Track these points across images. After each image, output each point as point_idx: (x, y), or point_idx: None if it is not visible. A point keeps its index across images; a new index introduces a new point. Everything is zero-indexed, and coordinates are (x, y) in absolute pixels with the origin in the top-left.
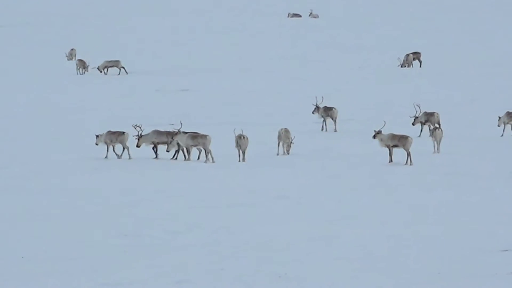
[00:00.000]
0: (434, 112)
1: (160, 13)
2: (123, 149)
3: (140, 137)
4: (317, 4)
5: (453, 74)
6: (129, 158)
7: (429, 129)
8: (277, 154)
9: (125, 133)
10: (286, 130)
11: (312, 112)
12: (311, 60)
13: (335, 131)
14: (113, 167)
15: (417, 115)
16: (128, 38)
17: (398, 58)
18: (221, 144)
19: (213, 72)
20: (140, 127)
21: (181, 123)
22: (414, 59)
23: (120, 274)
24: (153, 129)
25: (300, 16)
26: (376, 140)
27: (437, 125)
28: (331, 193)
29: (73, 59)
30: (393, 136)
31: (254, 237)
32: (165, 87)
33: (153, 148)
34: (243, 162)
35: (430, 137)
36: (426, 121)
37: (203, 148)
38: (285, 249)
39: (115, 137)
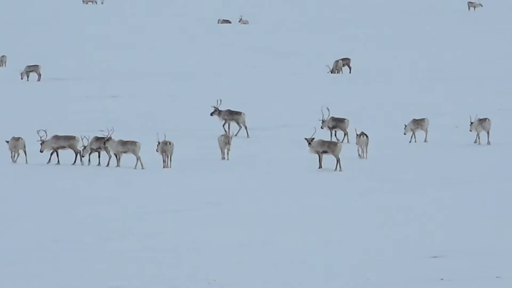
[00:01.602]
0: (344, 119)
1: (95, 21)
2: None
3: (42, 142)
4: (247, 10)
5: (383, 80)
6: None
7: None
8: (222, 159)
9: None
10: (226, 136)
11: (211, 114)
12: (241, 66)
13: (247, 136)
14: (45, 172)
15: (324, 119)
16: (58, 42)
17: (327, 65)
18: (151, 149)
19: (144, 78)
20: (45, 132)
21: (113, 129)
22: (343, 65)
23: (51, 280)
24: (54, 134)
25: (230, 22)
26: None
27: (362, 131)
28: (263, 199)
29: (3, 65)
30: (323, 143)
31: (185, 242)
32: (95, 93)
33: (51, 154)
34: (169, 168)
35: (356, 143)
36: (334, 127)
37: (133, 154)
38: (216, 255)
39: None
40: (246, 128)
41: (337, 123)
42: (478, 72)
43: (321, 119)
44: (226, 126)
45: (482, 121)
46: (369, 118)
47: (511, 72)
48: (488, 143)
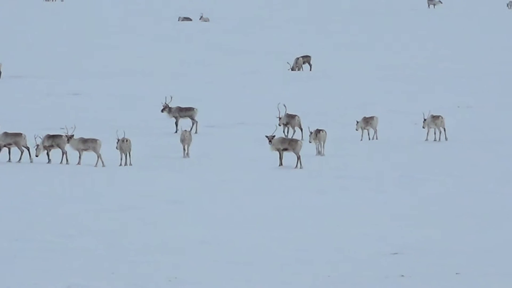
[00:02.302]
0: (295, 115)
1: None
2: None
3: None
4: (207, 8)
5: (343, 78)
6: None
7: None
8: (184, 157)
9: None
10: (189, 133)
11: (161, 111)
12: (201, 64)
13: (196, 132)
14: (1, 171)
15: (280, 116)
16: (19, 40)
17: (287, 62)
18: (112, 147)
19: (105, 76)
20: None
21: (74, 127)
22: (304, 62)
23: (12, 278)
24: (3, 131)
25: (191, 19)
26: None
27: (320, 128)
28: (223, 197)
29: None
30: (283, 140)
31: (145, 240)
32: (56, 90)
33: None
34: (128, 166)
35: (313, 140)
36: (287, 123)
37: (94, 152)
38: (176, 253)
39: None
40: (196, 123)
41: (289, 119)
42: (438, 69)
43: (278, 116)
44: (182, 123)
45: (435, 118)
46: (328, 115)
47: (470, 70)
48: (445, 139)
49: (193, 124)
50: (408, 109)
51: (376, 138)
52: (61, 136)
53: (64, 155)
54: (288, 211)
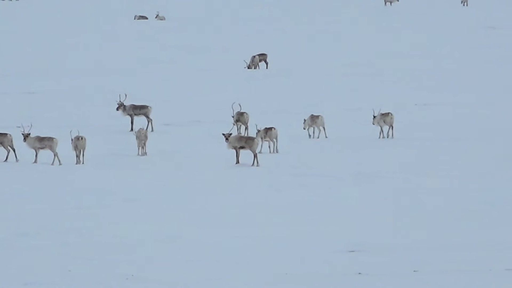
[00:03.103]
0: (244, 112)
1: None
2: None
3: None
4: (163, 7)
5: (301, 75)
6: None
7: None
8: (139, 154)
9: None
10: (145, 131)
11: (117, 109)
12: (158, 62)
13: (151, 130)
14: None
15: (233, 115)
16: None
17: (244, 60)
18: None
19: (60, 74)
20: None
21: (30, 125)
22: (260, 60)
23: None
24: None
25: (147, 18)
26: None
27: (273, 126)
28: (180, 195)
29: None
30: (240, 138)
31: (102, 238)
32: (11, 89)
33: None
34: (82, 164)
35: (261, 138)
36: (237, 120)
37: (50, 150)
38: (132, 251)
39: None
40: (151, 121)
41: (238, 116)
42: (395, 67)
43: (233, 115)
44: (137, 122)
45: (384, 115)
46: (284, 113)
47: (427, 67)
48: (392, 136)
49: (148, 122)
50: (365, 106)
51: (326, 137)
52: (6, 134)
53: (8, 153)
54: (245, 209)
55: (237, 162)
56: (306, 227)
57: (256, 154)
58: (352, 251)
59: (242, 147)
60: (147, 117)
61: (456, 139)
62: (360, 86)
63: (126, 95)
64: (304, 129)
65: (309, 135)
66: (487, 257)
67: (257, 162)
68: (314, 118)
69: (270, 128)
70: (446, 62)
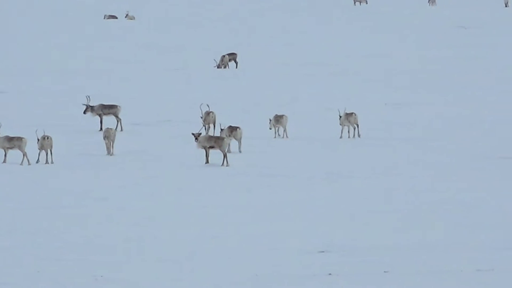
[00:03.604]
0: (210, 112)
1: None
2: None
3: None
4: (133, 6)
5: (272, 75)
6: None
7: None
8: (108, 154)
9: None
10: (114, 130)
11: (84, 112)
12: (127, 62)
13: (121, 130)
14: None
15: (202, 115)
16: None
17: (214, 59)
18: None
19: (31, 74)
20: None
21: (0, 125)
22: (230, 60)
23: None
24: None
25: (116, 17)
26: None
27: (236, 125)
28: (150, 194)
29: None
30: (210, 138)
31: (71, 238)
32: None
33: None
34: (50, 164)
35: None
36: (205, 120)
37: (19, 150)
38: (102, 251)
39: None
40: (120, 121)
41: (204, 116)
42: (366, 67)
43: (202, 115)
44: (107, 121)
45: (348, 115)
46: (252, 113)
47: (398, 67)
48: (358, 136)
49: (117, 121)
50: (336, 106)
51: (286, 137)
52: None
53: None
54: (214, 209)
55: (207, 162)
56: (276, 227)
57: (225, 154)
58: (323, 252)
59: (211, 147)
60: (116, 116)
61: (428, 139)
62: (329, 86)
63: (89, 97)
64: (270, 129)
65: (275, 135)
66: (458, 258)
67: (227, 162)
68: (278, 118)
69: (235, 128)
70: (418, 62)
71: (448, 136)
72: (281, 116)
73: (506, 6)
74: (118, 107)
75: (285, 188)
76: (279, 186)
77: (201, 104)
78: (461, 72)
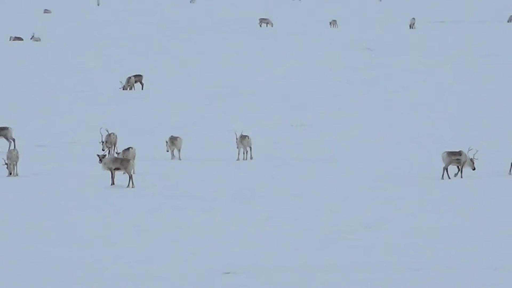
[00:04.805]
0: (111, 133)
1: None
2: None
3: None
4: (38, 28)
5: (175, 97)
6: None
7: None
8: (10, 175)
9: None
10: (17, 151)
11: None
12: (33, 83)
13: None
14: None
15: (103, 140)
16: None
17: (120, 81)
18: None
19: None
20: None
21: None
22: (136, 81)
23: None
24: None
25: (22, 39)
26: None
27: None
28: (53, 215)
29: None
30: (115, 159)
31: None
32: None
33: None
34: None
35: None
36: (106, 142)
37: None
38: (5, 271)
39: None
40: (14, 141)
41: (107, 138)
42: (269, 89)
43: (101, 140)
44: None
45: (242, 138)
46: (156, 134)
47: (303, 88)
48: (251, 158)
49: (9, 143)
50: (238, 128)
51: (179, 159)
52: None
53: None
54: (119, 230)
55: (112, 183)
56: (181, 248)
57: (131, 175)
58: (228, 273)
59: (117, 169)
60: (7, 138)
61: (332, 159)
62: (236, 107)
63: None
64: (167, 151)
65: (172, 157)
66: (356, 278)
67: (133, 184)
68: (173, 140)
69: (128, 149)
70: (324, 83)
71: (353, 157)
72: (176, 138)
73: (411, 28)
74: (9, 128)
75: (189, 210)
76: (184, 207)
77: (101, 128)
78: (367, 93)
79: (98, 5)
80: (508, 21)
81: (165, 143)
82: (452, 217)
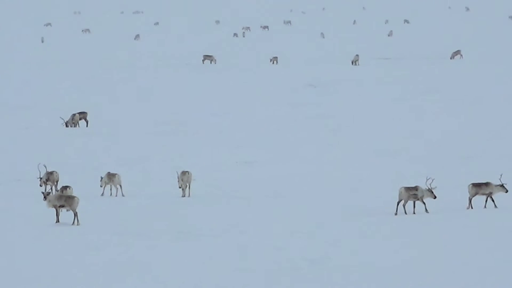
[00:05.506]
0: (53, 171)
1: None
2: None
3: None
4: None
5: (121, 132)
6: None
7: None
8: None
9: None
10: None
11: None
12: None
13: None
14: None
15: (41, 176)
16: None
17: (61, 117)
18: None
19: None
20: None
21: None
22: (80, 118)
23: None
24: None
25: None
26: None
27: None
28: None
29: None
30: (60, 197)
31: None
32: None
33: None
34: None
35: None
36: (47, 180)
37: None
38: None
39: None
40: None
41: (48, 176)
42: (216, 125)
43: (39, 177)
44: None
45: (111, 175)
46: (100, 170)
47: (248, 126)
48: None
49: None
50: (187, 166)
51: (122, 195)
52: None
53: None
54: (64, 268)
55: (57, 221)
56: (127, 286)
57: (76, 213)
58: None
59: (62, 206)
60: None
61: (278, 196)
62: (176, 144)
63: None
64: (101, 186)
65: (103, 193)
66: None
67: (78, 221)
68: (110, 176)
69: (65, 187)
70: (270, 120)
71: (300, 193)
72: (114, 175)
73: (353, 64)
74: None
75: (134, 247)
76: (129, 244)
77: (39, 163)
78: (311, 130)
79: (42, 42)
80: (450, 58)
81: (100, 179)
82: (396, 254)
